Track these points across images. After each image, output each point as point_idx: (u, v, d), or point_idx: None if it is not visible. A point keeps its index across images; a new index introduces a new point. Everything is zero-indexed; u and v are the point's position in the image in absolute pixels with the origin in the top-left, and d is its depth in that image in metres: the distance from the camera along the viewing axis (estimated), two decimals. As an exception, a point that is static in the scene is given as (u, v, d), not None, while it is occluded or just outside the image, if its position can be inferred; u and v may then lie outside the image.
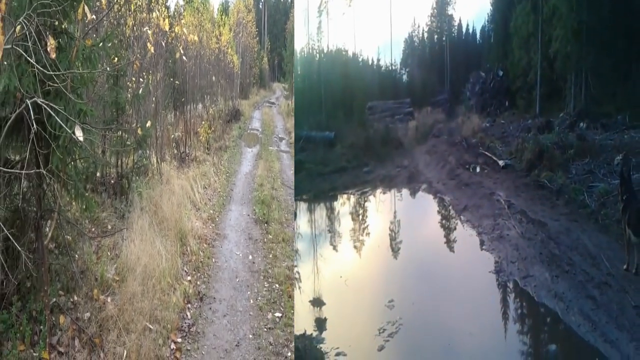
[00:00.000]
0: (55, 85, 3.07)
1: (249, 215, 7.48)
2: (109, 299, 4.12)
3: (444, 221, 8.38)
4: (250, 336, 4.37)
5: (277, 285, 5.32)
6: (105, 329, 3.82)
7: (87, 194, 4.07)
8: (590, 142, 8.71)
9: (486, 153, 10.74)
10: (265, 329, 4.49)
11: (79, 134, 3.01)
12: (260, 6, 22.79)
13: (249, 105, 18.05)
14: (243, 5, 19.32)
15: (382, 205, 9.52)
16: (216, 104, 14.38)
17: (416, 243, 7.31)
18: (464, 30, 15.61)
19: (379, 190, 10.23)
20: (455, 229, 7.78)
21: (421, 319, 4.98)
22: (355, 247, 7.25)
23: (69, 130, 3.02)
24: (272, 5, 23.44)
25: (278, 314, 4.78)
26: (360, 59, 13.94)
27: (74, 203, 4.32)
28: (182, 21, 10.21)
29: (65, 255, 4.04)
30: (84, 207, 4.00)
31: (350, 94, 12.59)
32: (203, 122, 11.60)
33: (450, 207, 8.65)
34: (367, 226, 8.37)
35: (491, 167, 10.06)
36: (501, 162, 9.94)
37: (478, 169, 10.21)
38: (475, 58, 15.09)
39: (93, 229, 5.11)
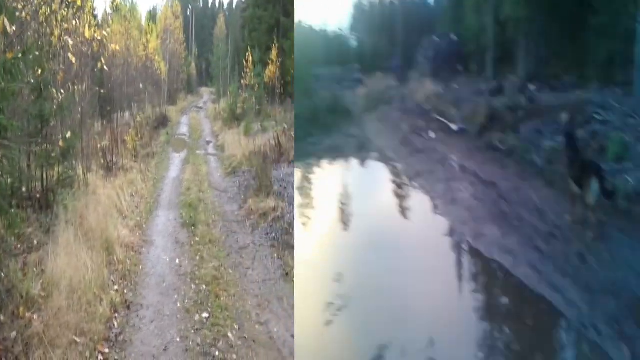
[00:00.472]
0: None
1: (175, 219, 7.38)
2: (35, 316, 3.99)
3: (397, 189, 8.36)
4: (178, 339, 4.28)
5: (204, 287, 5.22)
6: (31, 347, 3.70)
7: (12, 211, 3.94)
8: (539, 103, 8.96)
9: (440, 118, 10.84)
10: (192, 331, 4.41)
11: None
12: (188, 13, 22.41)
13: (177, 111, 17.82)
14: (171, 12, 18.78)
15: (329, 177, 9.41)
16: (143, 111, 14.15)
17: (368, 213, 7.26)
18: (417, -7, 15.44)
19: (325, 162, 10.10)
20: (409, 196, 7.82)
21: (374, 290, 4.95)
22: (303, 223, 7.08)
23: None
24: (199, 11, 23.12)
25: (205, 315, 4.68)
26: (305, 25, 13.56)
27: None
28: (104, 31, 9.84)
29: None
30: (8, 224, 3.87)
31: (294, 61, 12.24)
32: (130, 130, 11.45)
33: (402, 175, 8.69)
34: (313, 200, 8.22)
35: (445, 132, 10.20)
36: (454, 127, 10.11)
37: (433, 135, 10.26)
38: (428, 22, 14.93)
39: (19, 246, 4.93)
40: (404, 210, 7.52)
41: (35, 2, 6.07)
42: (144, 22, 15.95)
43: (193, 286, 5.22)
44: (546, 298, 4.53)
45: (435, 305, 4.67)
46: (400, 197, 8.05)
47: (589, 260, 5.04)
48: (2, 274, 4.18)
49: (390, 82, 13.84)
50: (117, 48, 10.67)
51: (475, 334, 4.20)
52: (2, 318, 3.84)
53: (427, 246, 5.83)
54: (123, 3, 12.51)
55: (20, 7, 5.46)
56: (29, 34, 6.04)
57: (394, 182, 8.73)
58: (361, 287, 5.03)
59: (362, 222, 6.99)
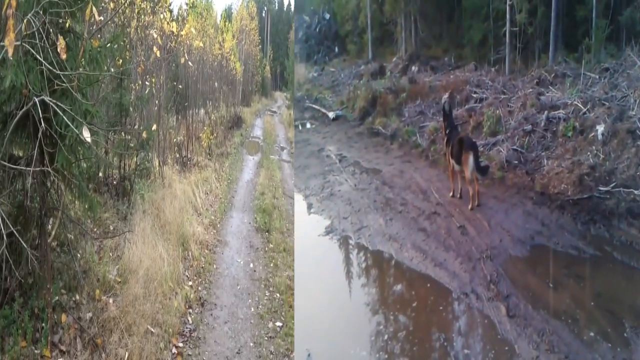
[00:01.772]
0: (63, 84, 3.08)
1: (249, 223, 7.37)
2: (110, 300, 4.11)
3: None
4: (251, 344, 4.32)
5: (277, 295, 5.23)
6: (107, 330, 3.82)
7: (90, 194, 4.01)
8: (421, 84, 9.33)
9: (314, 106, 10.39)
10: (266, 338, 4.43)
11: (86, 134, 3.01)
12: (264, 14, 21.25)
13: (251, 113, 17.82)
14: (246, 12, 18.72)
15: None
16: (218, 110, 14.07)
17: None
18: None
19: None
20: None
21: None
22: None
23: (76, 130, 3.03)
24: (275, 14, 22.19)
25: (279, 324, 4.72)
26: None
27: (77, 202, 4.32)
28: (187, 25, 9.53)
29: (68, 254, 4.04)
30: (87, 206, 3.93)
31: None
32: (205, 128, 11.36)
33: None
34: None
35: (320, 120, 9.82)
36: (331, 114, 9.69)
37: (308, 125, 9.85)
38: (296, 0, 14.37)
39: (95, 230, 5.08)
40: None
41: None
42: (219, 20, 15.60)
43: (267, 293, 5.24)
44: (431, 276, 4.76)
45: (325, 309, 4.56)
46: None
47: (469, 230, 5.42)
48: (79, 255, 4.26)
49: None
50: (201, 44, 10.49)
51: (368, 328, 4.22)
52: (77, 298, 3.92)
53: (307, 250, 5.56)
54: (199, 0, 12.13)
55: None
56: (111, 23, 6.17)
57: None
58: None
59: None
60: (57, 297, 3.78)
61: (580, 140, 6.46)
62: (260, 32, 20.64)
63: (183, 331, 4.32)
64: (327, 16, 13.37)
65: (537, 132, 6.93)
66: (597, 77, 7.71)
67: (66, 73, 3.10)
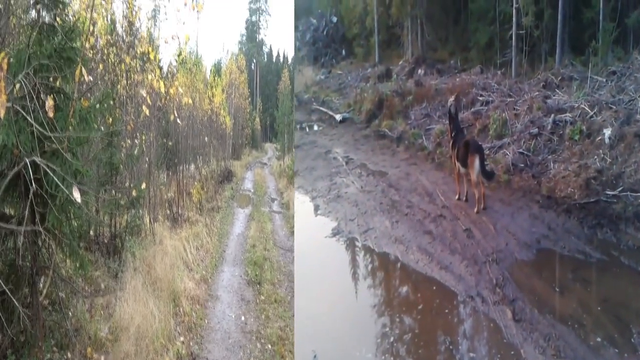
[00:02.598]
0: (54, 145, 3.15)
1: (241, 276, 7.42)
2: (102, 358, 4.14)
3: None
4: None
5: (269, 346, 5.27)
6: None
7: (81, 253, 4.09)
8: (427, 87, 9.32)
9: (321, 108, 10.40)
10: None
11: (76, 195, 3.05)
12: (253, 67, 21.64)
13: (241, 166, 18.09)
14: (235, 66, 18.91)
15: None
16: (208, 165, 14.23)
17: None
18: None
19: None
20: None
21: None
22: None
23: (66, 191, 3.11)
24: (263, 66, 22.61)
25: None
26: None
27: (68, 261, 4.36)
28: (176, 82, 9.62)
29: (59, 312, 4.09)
30: (79, 265, 4.01)
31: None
32: (195, 183, 11.46)
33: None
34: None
35: (327, 123, 9.84)
36: (338, 117, 9.73)
37: (315, 127, 9.87)
38: (303, 3, 14.37)
39: (86, 288, 5.14)
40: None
41: (106, 51, 6.30)
42: (208, 75, 15.78)
43: (259, 345, 5.26)
44: (437, 279, 4.76)
45: (332, 311, 4.58)
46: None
47: (475, 233, 5.42)
48: (70, 313, 4.30)
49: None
50: (190, 101, 10.56)
51: (374, 330, 4.23)
52: (69, 356, 3.95)
53: (314, 252, 5.61)
54: (189, 56, 12.21)
55: (90, 55, 5.67)
56: (100, 83, 6.24)
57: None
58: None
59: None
60: (49, 355, 3.79)
61: (587, 143, 6.43)
62: (249, 84, 20.95)
63: (175, 387, 4.29)
64: (335, 19, 13.30)
65: (543, 135, 6.91)
66: (604, 80, 7.68)
67: (56, 135, 3.18)
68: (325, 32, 13.20)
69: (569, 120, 6.91)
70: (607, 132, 6.34)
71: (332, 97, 10.85)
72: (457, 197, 6.22)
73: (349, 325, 4.37)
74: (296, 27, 13.18)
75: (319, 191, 6.90)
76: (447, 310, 4.44)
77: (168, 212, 9.33)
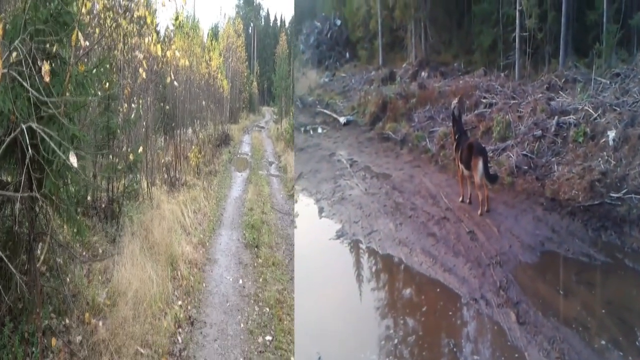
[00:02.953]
0: (50, 110, 3.11)
1: (238, 239, 7.45)
2: (100, 323, 4.16)
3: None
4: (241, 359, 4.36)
5: (267, 309, 5.29)
6: (97, 353, 3.85)
7: (78, 218, 4.10)
8: (431, 90, 9.37)
9: (325, 111, 10.47)
10: (256, 353, 4.48)
11: (73, 160, 3.02)
12: (250, 31, 21.83)
13: (239, 130, 18.04)
14: (233, 30, 18.81)
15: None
16: (206, 129, 14.23)
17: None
18: (294, -26, 15.01)
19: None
20: (296, 201, 7.47)
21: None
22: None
23: (63, 156, 3.06)
24: (261, 29, 22.70)
25: (268, 338, 4.76)
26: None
27: (65, 226, 4.34)
28: (173, 46, 9.71)
29: (57, 278, 4.06)
30: (76, 230, 4.01)
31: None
32: (193, 147, 11.46)
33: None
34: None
35: (331, 125, 9.90)
36: (342, 119, 9.78)
37: (319, 130, 9.91)
38: (307, 6, 14.41)
39: (84, 253, 5.13)
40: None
41: (102, 16, 6.23)
42: (205, 39, 15.68)
43: (256, 308, 5.30)
44: (441, 281, 4.78)
45: (336, 313, 4.58)
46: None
47: (479, 236, 5.42)
48: (68, 279, 4.28)
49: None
50: (187, 63, 10.56)
51: (378, 332, 4.25)
52: (67, 321, 3.97)
53: (319, 253, 5.62)
54: (186, 20, 12.24)
55: (86, 20, 5.55)
56: (97, 47, 6.18)
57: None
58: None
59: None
60: (46, 321, 3.81)
61: (591, 145, 6.43)
62: (246, 48, 20.93)
63: (173, 351, 4.33)
64: (339, 22, 13.35)
65: (547, 137, 6.90)
66: (608, 82, 7.67)
67: (53, 99, 3.13)
68: (329, 35, 13.26)
69: (572, 122, 6.91)
70: (611, 134, 6.33)
71: (336, 100, 10.90)
72: (460, 199, 6.23)
73: (353, 327, 4.39)
74: (300, 30, 13.21)
75: (323, 193, 6.94)
76: (450, 313, 4.45)
77: (165, 176, 9.37)
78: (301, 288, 5.08)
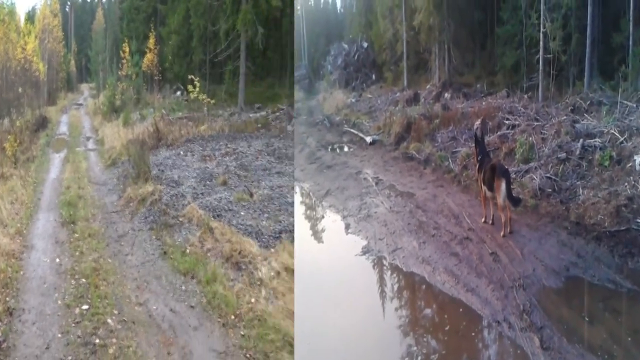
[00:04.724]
0: None
1: (55, 219, 7.42)
2: None
3: (308, 211, 8.07)
4: (59, 335, 4.43)
5: (83, 280, 5.37)
6: None
7: None
8: (454, 110, 9.52)
9: (352, 130, 10.79)
10: (73, 325, 4.57)
11: None
12: (67, 9, 22.22)
13: (57, 111, 17.62)
14: (49, 10, 18.49)
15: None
16: (23, 116, 13.86)
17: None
18: (322, -2, 15.21)
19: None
20: (322, 217, 7.61)
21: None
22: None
23: None
24: (78, 7, 22.91)
25: (85, 307, 4.85)
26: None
27: None
28: None
29: None
30: None
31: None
32: (9, 137, 11.12)
33: (311, 194, 8.38)
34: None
35: (358, 144, 10.16)
36: (368, 139, 10.04)
37: (346, 149, 10.16)
38: (335, 28, 14.68)
39: None
40: (318, 234, 7.35)
41: None
42: (22, 23, 15.46)
43: (73, 281, 5.33)
44: (463, 301, 4.82)
45: (359, 330, 4.64)
46: (312, 219, 7.81)
47: (501, 257, 5.45)
48: None
49: (296, 94, 13.67)
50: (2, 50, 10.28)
51: (399, 351, 4.30)
52: None
53: (344, 269, 5.71)
54: (1, 6, 12.35)
55: None
56: None
57: (303, 203, 8.44)
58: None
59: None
60: None
61: (617, 170, 6.39)
62: (64, 27, 21.09)
63: (-7, 346, 4.34)
64: (365, 45, 13.72)
65: (571, 160, 6.89)
66: (635, 105, 7.62)
67: None
68: (356, 57, 13.61)
69: (598, 145, 6.88)
70: (638, 158, 6.29)
71: (363, 120, 11.19)
72: (483, 220, 6.27)
73: (375, 344, 4.46)
74: (328, 52, 13.55)
75: (350, 210, 7.06)
76: (473, 334, 4.48)
77: (-19, 171, 9.09)
78: (326, 302, 5.13)
